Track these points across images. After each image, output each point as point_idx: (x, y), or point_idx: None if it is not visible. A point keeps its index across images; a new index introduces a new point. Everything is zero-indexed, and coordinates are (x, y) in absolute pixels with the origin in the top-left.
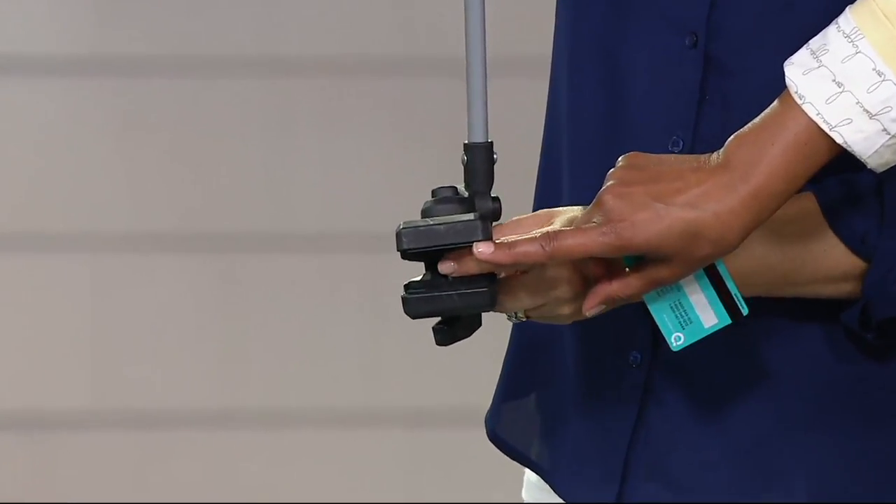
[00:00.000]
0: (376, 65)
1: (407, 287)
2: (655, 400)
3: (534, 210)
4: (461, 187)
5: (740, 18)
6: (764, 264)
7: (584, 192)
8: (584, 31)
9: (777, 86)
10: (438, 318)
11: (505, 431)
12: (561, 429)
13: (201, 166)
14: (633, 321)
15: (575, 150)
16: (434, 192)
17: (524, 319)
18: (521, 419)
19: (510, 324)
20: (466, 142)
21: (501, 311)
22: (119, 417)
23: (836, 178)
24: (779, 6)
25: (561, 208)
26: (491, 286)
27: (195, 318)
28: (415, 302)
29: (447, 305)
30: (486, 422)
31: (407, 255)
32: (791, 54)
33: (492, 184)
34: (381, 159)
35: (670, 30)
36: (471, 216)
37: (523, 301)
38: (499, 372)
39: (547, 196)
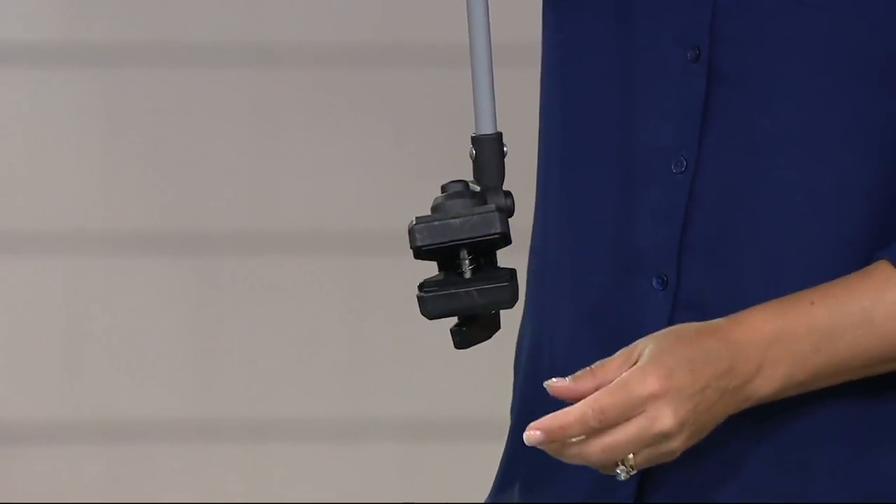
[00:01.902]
0: (369, 53)
1: (422, 286)
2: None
3: (534, 223)
4: (472, 182)
5: (743, 23)
6: (858, 349)
7: (579, 216)
8: (577, 48)
9: (783, 94)
10: (456, 320)
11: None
12: (565, 481)
13: (181, 162)
14: None
15: (570, 173)
16: (444, 188)
17: (635, 468)
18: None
19: (510, 330)
20: (474, 134)
21: (606, 472)
22: (92, 429)
23: None
24: (785, 6)
25: (642, 344)
26: (512, 281)
27: (174, 323)
28: (432, 301)
29: (466, 303)
30: None
31: (420, 252)
32: (799, 56)
33: (503, 178)
34: (374, 155)
35: (671, 43)
36: (489, 207)
37: (618, 452)
38: (499, 379)
39: (541, 219)
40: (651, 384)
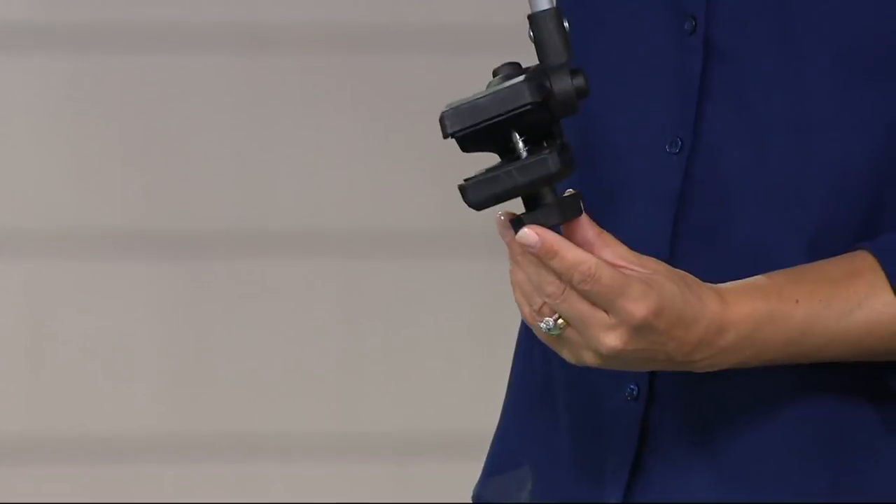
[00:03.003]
0: (368, 38)
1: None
2: (653, 434)
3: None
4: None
5: (741, 0)
6: (823, 351)
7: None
8: (572, 20)
9: (784, 74)
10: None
11: (492, 494)
12: (554, 472)
13: (163, 156)
14: None
15: None
16: (495, 72)
17: (559, 332)
18: (511, 481)
19: (510, 338)
20: (530, 13)
21: (529, 309)
22: (63, 447)
23: (892, 234)
24: None
25: (665, 272)
26: (554, 150)
27: (155, 331)
28: (473, 188)
29: (508, 183)
30: (472, 498)
31: (463, 143)
32: (797, 39)
33: (570, 54)
34: (371, 148)
35: (666, 13)
36: (518, 79)
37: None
38: (498, 390)
39: None
40: (641, 309)
